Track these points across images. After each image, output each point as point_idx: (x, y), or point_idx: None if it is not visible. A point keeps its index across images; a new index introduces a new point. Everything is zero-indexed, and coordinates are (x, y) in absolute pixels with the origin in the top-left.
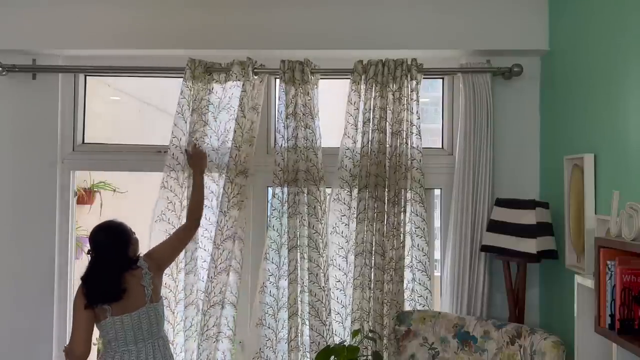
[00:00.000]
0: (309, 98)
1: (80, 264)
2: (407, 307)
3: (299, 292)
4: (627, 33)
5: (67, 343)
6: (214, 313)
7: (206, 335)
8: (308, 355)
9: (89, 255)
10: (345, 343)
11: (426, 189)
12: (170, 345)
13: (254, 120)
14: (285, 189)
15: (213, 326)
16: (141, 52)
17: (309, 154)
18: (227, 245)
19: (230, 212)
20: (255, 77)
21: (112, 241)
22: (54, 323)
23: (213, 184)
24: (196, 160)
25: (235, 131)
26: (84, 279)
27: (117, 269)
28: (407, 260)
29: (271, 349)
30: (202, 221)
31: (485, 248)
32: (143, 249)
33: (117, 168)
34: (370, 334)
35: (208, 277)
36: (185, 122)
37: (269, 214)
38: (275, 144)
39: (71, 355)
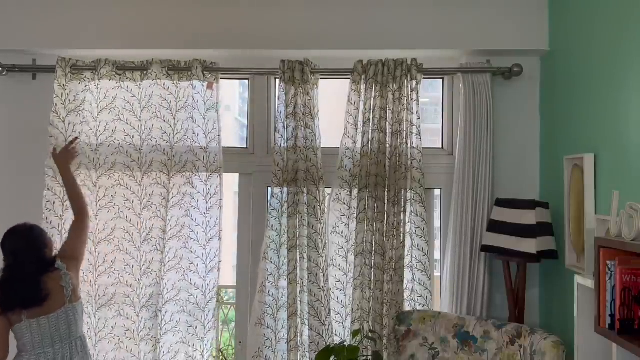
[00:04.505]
0: (309, 98)
1: None
2: (407, 307)
3: (298, 292)
4: (627, 33)
5: None
6: (210, 307)
7: (208, 327)
8: (307, 355)
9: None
10: (345, 343)
11: (426, 189)
12: (89, 345)
13: (215, 119)
14: (285, 189)
15: (212, 318)
16: (141, 52)
17: (308, 154)
18: (214, 244)
19: (211, 212)
20: (211, 75)
21: (27, 245)
22: None
23: (192, 186)
24: (66, 156)
25: (194, 132)
26: (1, 285)
27: (35, 273)
28: (407, 260)
29: (270, 348)
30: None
31: (485, 248)
32: None
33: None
34: (370, 334)
35: (200, 276)
36: (166, 122)
37: (268, 213)
38: (275, 144)
39: None
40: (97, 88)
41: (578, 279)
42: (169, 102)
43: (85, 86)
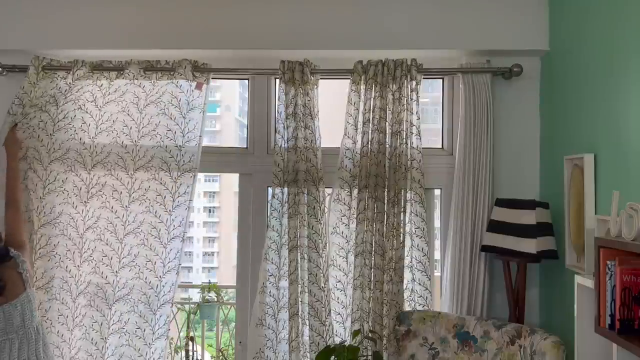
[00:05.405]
0: (309, 98)
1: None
2: (407, 307)
3: (299, 292)
4: (627, 33)
5: None
6: (164, 312)
7: (158, 333)
8: (308, 356)
9: None
10: (345, 343)
11: (426, 189)
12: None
13: (198, 120)
14: (285, 190)
15: (164, 324)
16: (141, 52)
17: (308, 155)
18: (175, 244)
19: (177, 211)
20: (202, 75)
21: None
22: None
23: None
24: (16, 144)
25: (170, 129)
26: None
27: None
28: (406, 261)
29: (271, 349)
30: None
31: (485, 248)
32: None
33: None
34: (370, 334)
35: (157, 276)
36: (129, 116)
37: (268, 214)
38: (275, 145)
39: None
40: (68, 85)
41: (578, 279)
42: (139, 98)
43: (57, 85)
